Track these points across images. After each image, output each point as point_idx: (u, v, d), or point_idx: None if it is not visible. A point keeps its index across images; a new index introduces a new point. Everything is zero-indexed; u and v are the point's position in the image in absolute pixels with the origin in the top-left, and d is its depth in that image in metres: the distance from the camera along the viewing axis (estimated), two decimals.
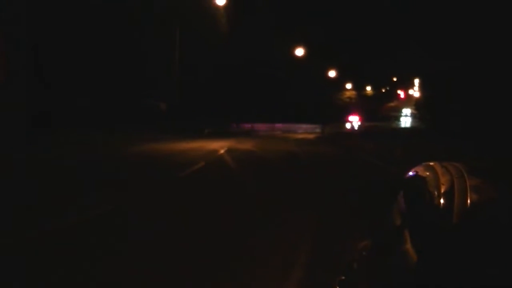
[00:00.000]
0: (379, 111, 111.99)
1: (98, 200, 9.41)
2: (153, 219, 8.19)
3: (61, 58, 34.48)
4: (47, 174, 14.16)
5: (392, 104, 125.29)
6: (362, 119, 73.66)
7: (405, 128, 78.38)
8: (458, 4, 32.03)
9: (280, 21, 64.61)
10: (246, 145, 29.33)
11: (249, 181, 13.53)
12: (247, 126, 58.45)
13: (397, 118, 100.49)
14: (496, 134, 24.03)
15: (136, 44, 42.52)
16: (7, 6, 25.70)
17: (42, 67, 31.36)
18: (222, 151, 23.25)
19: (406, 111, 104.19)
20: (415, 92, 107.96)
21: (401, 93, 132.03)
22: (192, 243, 6.65)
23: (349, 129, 64.01)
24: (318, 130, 61.34)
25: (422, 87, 72.57)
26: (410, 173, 1.22)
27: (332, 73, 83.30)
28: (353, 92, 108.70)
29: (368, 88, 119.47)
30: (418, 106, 70.60)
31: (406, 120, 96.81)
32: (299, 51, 66.61)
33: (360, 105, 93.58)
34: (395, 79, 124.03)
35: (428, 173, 1.11)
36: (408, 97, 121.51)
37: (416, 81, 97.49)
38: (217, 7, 46.69)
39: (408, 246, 1.00)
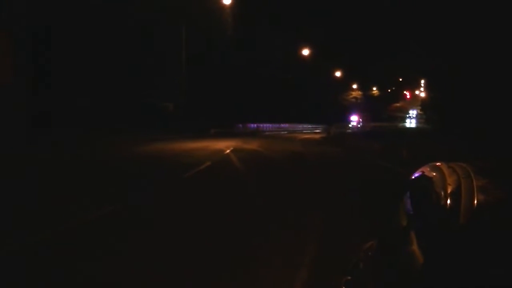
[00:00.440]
0: (385, 111, 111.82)
1: (102, 200, 9.43)
2: (158, 219, 8.19)
3: (63, 58, 34.50)
4: (53, 174, 14.21)
5: (398, 104, 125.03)
6: (365, 120, 73.54)
7: (411, 129, 78.18)
8: (463, 4, 31.93)
9: (285, 21, 64.58)
10: (251, 145, 29.32)
11: (255, 181, 13.53)
12: (253, 126, 58.45)
13: (403, 119, 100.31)
14: (502, 134, 23.94)
15: (141, 44, 42.57)
16: (7, 5, 25.76)
17: (44, 67, 31.38)
18: (227, 151, 23.26)
19: (412, 112, 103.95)
20: (421, 92, 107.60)
21: (407, 94, 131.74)
22: (194, 243, 6.65)
23: (351, 129, 63.89)
24: (324, 130, 61.22)
25: (428, 88, 72.34)
26: (416, 174, 1.21)
27: (338, 74, 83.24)
28: (359, 92, 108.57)
29: (374, 89, 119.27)
30: (424, 106, 70.42)
31: (411, 121, 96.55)
32: (305, 51, 66.58)
33: (366, 105, 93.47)
34: (401, 80, 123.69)
35: (434, 174, 1.11)
36: (414, 97, 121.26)
37: (422, 82, 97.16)
38: (223, 7, 46.72)
39: (415, 246, 1.00)
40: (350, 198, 10.71)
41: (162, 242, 6.69)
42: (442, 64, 39.29)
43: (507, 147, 19.22)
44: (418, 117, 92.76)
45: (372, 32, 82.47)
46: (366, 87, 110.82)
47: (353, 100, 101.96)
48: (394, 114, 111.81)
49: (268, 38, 60.89)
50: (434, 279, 0.93)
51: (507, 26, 26.76)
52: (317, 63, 69.69)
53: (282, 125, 65.88)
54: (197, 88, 46.20)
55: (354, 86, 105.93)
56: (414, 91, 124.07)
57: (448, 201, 0.97)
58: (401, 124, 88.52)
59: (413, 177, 1.21)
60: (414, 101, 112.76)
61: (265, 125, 61.20)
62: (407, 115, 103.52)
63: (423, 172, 1.18)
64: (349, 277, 1.46)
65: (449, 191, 0.99)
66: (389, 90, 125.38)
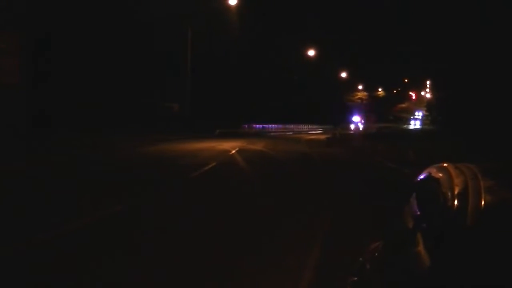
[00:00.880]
0: (391, 112, 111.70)
1: (109, 201, 9.46)
2: (163, 220, 8.20)
3: (66, 59, 34.52)
4: (65, 175, 14.27)
5: (403, 105, 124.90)
6: (370, 121, 73.40)
7: (416, 130, 78.06)
8: (469, 5, 31.87)
9: (291, 22, 64.61)
10: (257, 145, 29.34)
11: (261, 182, 13.52)
12: (258, 126, 58.45)
13: (408, 120, 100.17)
14: (508, 134, 23.89)
15: (146, 44, 42.64)
16: (7, 6, 25.85)
17: (45, 67, 31.42)
18: (233, 152, 23.28)
19: (418, 113, 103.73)
20: (427, 93, 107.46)
21: (413, 94, 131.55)
22: (197, 243, 6.66)
23: (353, 130, 63.70)
24: (329, 131, 61.13)
25: (433, 88, 72.26)
26: (423, 175, 1.21)
27: (343, 74, 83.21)
28: (365, 93, 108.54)
29: (380, 89, 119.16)
30: (430, 107, 70.33)
31: (415, 122, 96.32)
32: (310, 52, 66.57)
33: (371, 106, 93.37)
34: (406, 80, 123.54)
35: (441, 175, 1.11)
36: (420, 98, 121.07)
37: (428, 82, 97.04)
38: (229, 7, 46.75)
39: (421, 248, 1.00)
40: (356, 199, 10.69)
41: (166, 243, 6.69)
42: (448, 65, 39.23)
43: None
44: (423, 118, 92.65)
45: (378, 33, 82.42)
46: (371, 88, 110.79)
47: (359, 100, 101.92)
48: (400, 115, 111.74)
49: (274, 39, 60.92)
50: (440, 280, 0.93)
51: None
52: (322, 64, 69.67)
53: (288, 125, 65.84)
54: (202, 88, 46.25)
55: (360, 87, 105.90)
56: (419, 92, 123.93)
57: (455, 202, 0.97)
58: (404, 126, 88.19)
59: (419, 178, 1.21)
60: (420, 102, 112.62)
61: (270, 125, 61.19)
62: (411, 117, 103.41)
63: (429, 173, 1.18)
64: (355, 278, 1.46)
65: (456, 192, 0.99)
66: (394, 91, 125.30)
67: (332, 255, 6.07)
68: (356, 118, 71.56)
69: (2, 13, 25.57)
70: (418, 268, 0.98)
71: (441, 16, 40.70)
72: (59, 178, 13.29)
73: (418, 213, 1.10)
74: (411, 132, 70.60)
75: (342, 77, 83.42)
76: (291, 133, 62.77)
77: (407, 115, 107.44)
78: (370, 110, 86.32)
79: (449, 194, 1.00)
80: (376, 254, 1.38)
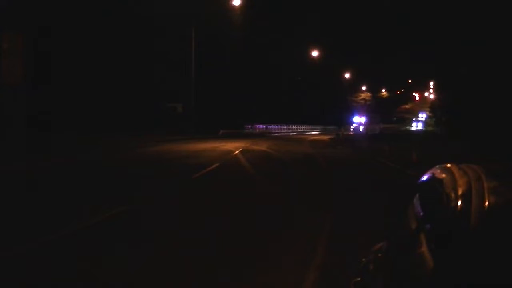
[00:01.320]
0: (394, 113, 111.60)
1: (112, 201, 9.48)
2: (166, 220, 8.21)
3: (67, 59, 34.53)
4: (76, 176, 14.30)
5: (407, 106, 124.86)
6: (373, 122, 73.30)
7: (419, 131, 77.92)
8: (475, 7, 31.81)
9: (291, 22, 64.61)
10: (260, 146, 29.33)
11: (264, 182, 13.52)
12: (261, 127, 58.48)
13: (410, 122, 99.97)
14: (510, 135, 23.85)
15: (151, 45, 42.68)
16: (7, 6, 25.89)
17: (46, 67, 31.44)
18: (236, 152, 23.28)
19: (421, 115, 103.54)
20: (430, 94, 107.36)
21: (416, 95, 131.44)
22: (199, 244, 6.66)
23: (353, 131, 63.56)
24: (333, 131, 61.12)
25: (437, 89, 72.16)
26: (426, 175, 1.21)
27: (347, 75, 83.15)
28: (368, 94, 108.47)
29: (383, 90, 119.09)
30: (433, 108, 70.22)
31: (417, 124, 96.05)
32: (314, 53, 66.56)
33: (375, 107, 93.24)
34: (410, 81, 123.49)
35: (444, 175, 1.11)
36: (423, 99, 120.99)
37: (431, 83, 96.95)
38: (233, 8, 46.78)
39: (424, 249, 1.00)
40: (360, 200, 10.68)
41: (167, 243, 6.71)
42: (451, 65, 39.17)
43: None
44: (427, 120, 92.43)
45: (382, 34, 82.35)
46: (375, 89, 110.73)
47: (362, 101, 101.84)
48: (403, 115, 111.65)
49: (278, 40, 60.92)
50: (444, 281, 0.93)
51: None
52: (326, 65, 69.66)
53: (291, 126, 65.82)
54: (206, 89, 46.27)
55: (363, 88, 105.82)
56: (423, 93, 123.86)
57: (459, 203, 0.97)
58: (406, 128, 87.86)
59: (422, 179, 1.21)
60: (423, 103, 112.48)
61: (273, 126, 61.18)
62: (413, 119, 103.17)
63: (433, 173, 1.18)
64: (359, 278, 1.46)
65: (459, 193, 0.99)
66: (398, 92, 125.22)
67: (333, 250, 6.07)
68: (356, 119, 71.38)
69: (4, 14, 25.61)
70: (421, 269, 0.98)
71: (445, 15, 40.65)
72: (60, 180, 13.31)
73: (422, 214, 1.10)
74: (414, 133, 70.47)
75: (345, 78, 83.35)
76: (294, 133, 62.75)
77: (411, 116, 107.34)
78: (373, 111, 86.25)
79: (453, 195, 1.00)
80: (380, 254, 1.38)
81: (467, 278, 0.90)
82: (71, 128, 30.22)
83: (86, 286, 5.03)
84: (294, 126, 66.63)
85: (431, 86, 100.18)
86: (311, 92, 70.95)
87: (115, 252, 6.12)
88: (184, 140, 32.19)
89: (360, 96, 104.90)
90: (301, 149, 29.33)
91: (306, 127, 70.02)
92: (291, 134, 61.34)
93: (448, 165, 1.14)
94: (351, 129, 65.87)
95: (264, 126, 59.02)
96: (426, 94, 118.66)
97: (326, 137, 51.15)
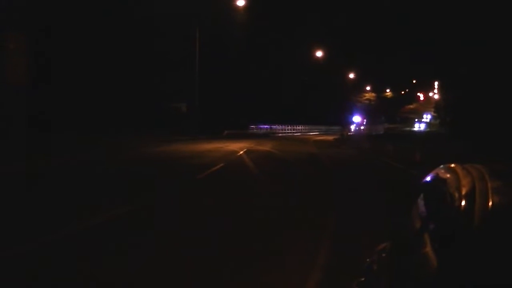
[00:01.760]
0: (398, 113, 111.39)
1: (117, 202, 9.49)
2: (168, 220, 8.22)
3: (68, 59, 34.49)
4: (75, 176, 14.32)
5: (411, 106, 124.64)
6: (376, 122, 73.12)
7: (423, 131, 77.77)
8: (479, 7, 31.73)
9: (294, 23, 64.57)
10: (265, 146, 29.32)
11: (268, 183, 13.51)
12: (266, 127, 58.44)
13: (414, 122, 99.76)
14: None
15: (154, 45, 42.67)
16: (7, 6, 25.90)
17: (46, 67, 31.43)
18: (241, 152, 23.27)
19: (426, 115, 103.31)
20: (434, 94, 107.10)
21: (421, 95, 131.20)
22: (201, 244, 6.66)
23: (353, 132, 63.36)
24: (337, 132, 61.07)
25: (441, 90, 71.99)
26: (430, 176, 1.21)
27: (351, 75, 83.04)
28: (373, 94, 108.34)
29: (388, 90, 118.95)
30: (438, 108, 70.07)
31: (420, 125, 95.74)
32: (319, 53, 66.51)
33: (379, 107, 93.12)
34: (414, 81, 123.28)
35: (448, 175, 1.11)
36: (428, 99, 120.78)
37: (436, 83, 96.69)
38: (237, 8, 46.75)
39: (428, 249, 1.00)
40: (364, 199, 10.67)
41: (167, 243, 6.71)
42: (456, 65, 39.08)
43: None
44: (431, 120, 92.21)
45: (382, 34, 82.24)
46: (379, 89, 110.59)
47: (366, 101, 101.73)
48: (408, 116, 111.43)
49: (282, 40, 60.88)
50: (447, 281, 0.93)
51: None
52: (330, 65, 69.60)
53: (295, 126, 65.75)
54: (210, 89, 46.24)
55: (368, 88, 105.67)
56: (427, 93, 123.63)
57: (463, 203, 0.97)
58: (407, 128, 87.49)
59: (426, 179, 1.21)
60: (428, 103, 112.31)
61: (278, 126, 61.12)
62: (416, 120, 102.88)
63: (437, 173, 1.18)
64: (362, 278, 1.46)
65: (463, 193, 0.99)
66: (402, 92, 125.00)
67: (336, 252, 6.07)
68: (356, 119, 71.06)
69: (5, 14, 25.64)
70: (425, 268, 0.98)
71: (445, 15, 40.58)
72: (60, 180, 13.32)
73: (426, 213, 1.10)
74: (418, 133, 70.36)
75: (350, 78, 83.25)
76: (299, 133, 62.70)
77: (415, 116, 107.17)
78: (378, 111, 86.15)
79: (457, 194, 1.00)
80: (384, 254, 1.38)
81: (471, 278, 0.90)
82: (71, 128, 30.12)
83: (86, 286, 5.03)
84: (299, 126, 66.51)
85: (436, 86, 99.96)
86: (316, 92, 70.90)
87: (115, 252, 6.12)
88: (187, 140, 32.20)
89: (365, 96, 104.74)
90: (305, 149, 29.32)
91: (311, 127, 69.94)
92: (296, 134, 61.29)
93: (452, 165, 1.14)
94: (355, 129, 65.74)
95: (269, 126, 58.96)
96: (430, 94, 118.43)
97: (330, 137, 51.12)
